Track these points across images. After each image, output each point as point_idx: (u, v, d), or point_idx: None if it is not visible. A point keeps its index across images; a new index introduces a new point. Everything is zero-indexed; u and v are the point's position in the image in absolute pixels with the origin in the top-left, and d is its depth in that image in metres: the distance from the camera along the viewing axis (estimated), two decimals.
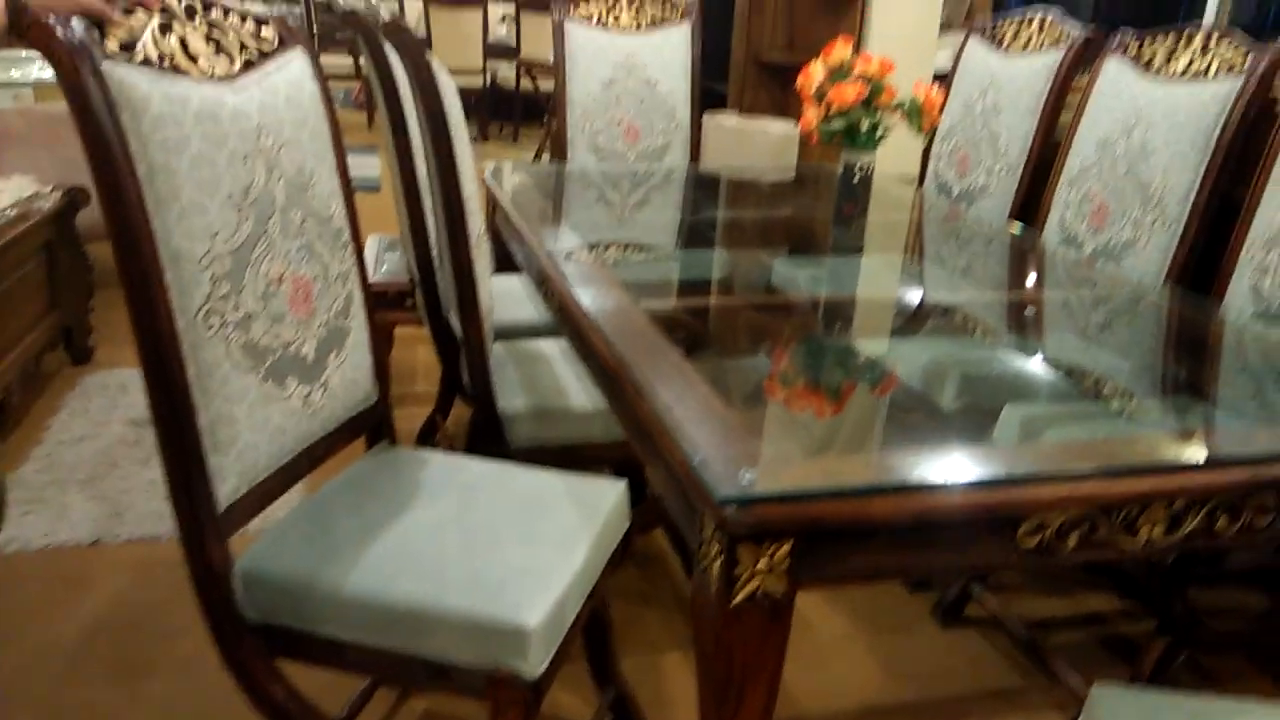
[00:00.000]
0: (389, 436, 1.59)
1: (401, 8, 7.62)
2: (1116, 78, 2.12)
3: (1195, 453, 1.23)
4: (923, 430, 1.42)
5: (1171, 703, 1.17)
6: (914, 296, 2.11)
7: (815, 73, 1.89)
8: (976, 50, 2.57)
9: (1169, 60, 2.05)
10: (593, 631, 1.58)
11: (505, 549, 1.29)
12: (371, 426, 1.56)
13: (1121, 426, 1.48)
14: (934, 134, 2.64)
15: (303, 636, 1.23)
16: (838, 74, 1.86)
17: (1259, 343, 1.70)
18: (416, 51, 1.54)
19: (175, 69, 1.15)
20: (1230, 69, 1.93)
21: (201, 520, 1.16)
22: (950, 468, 1.10)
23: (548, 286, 1.79)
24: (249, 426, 1.23)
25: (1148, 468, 1.13)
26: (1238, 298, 1.80)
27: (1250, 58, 1.91)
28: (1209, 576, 1.96)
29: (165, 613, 1.94)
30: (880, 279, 2.22)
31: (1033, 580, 2.20)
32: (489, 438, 1.77)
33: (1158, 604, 1.64)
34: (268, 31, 1.33)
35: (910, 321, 1.99)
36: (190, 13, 1.20)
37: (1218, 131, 1.90)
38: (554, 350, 2.03)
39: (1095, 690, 1.16)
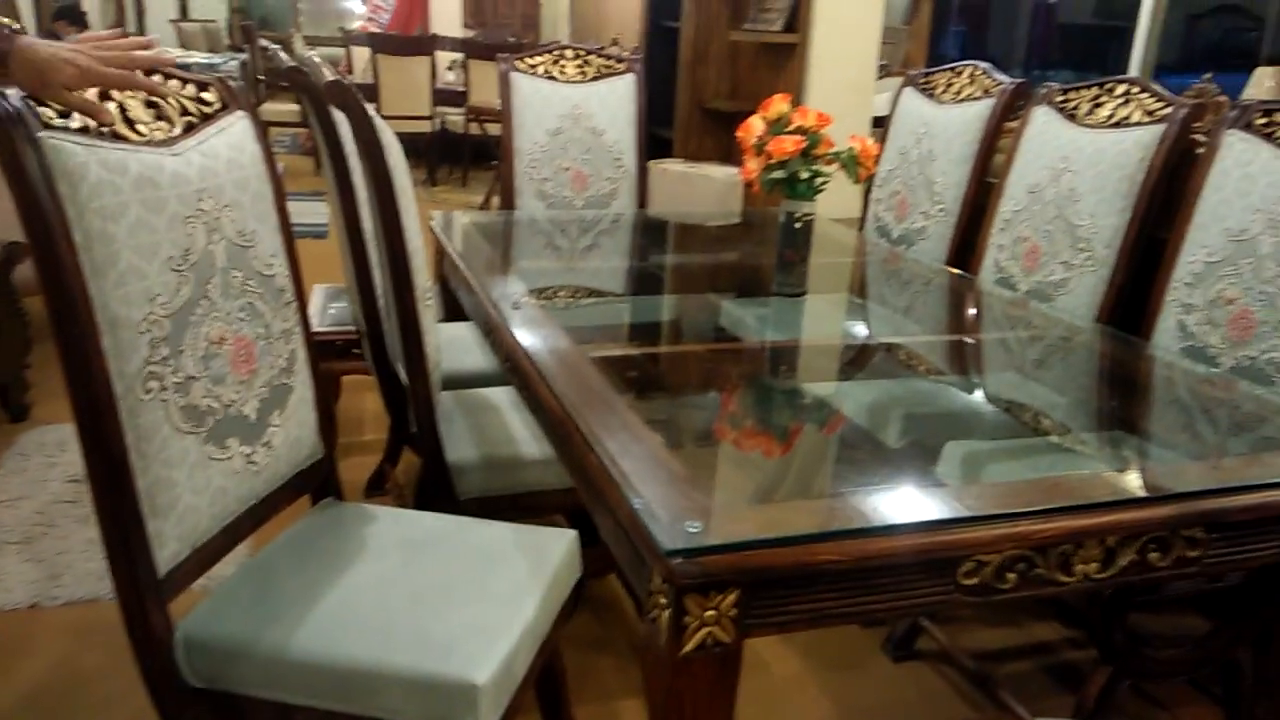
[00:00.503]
0: (335, 492, 1.58)
1: (349, 56, 7.65)
2: (1044, 126, 2.21)
3: (1126, 490, 1.27)
4: (868, 471, 1.45)
5: None
6: (858, 338, 2.16)
7: (755, 125, 1.93)
8: (911, 100, 2.66)
9: (1093, 109, 2.14)
10: (546, 684, 1.57)
11: (453, 606, 1.28)
12: (316, 483, 1.55)
13: (1057, 463, 1.52)
14: (872, 179, 2.71)
15: (247, 701, 1.21)
16: (776, 127, 1.91)
17: (1186, 378, 1.76)
18: (359, 113, 1.56)
19: (114, 136, 1.15)
20: (1151, 117, 2.02)
21: (141, 586, 1.14)
22: (890, 511, 1.13)
23: (495, 335, 1.80)
24: (189, 489, 1.22)
25: (1080, 506, 1.16)
26: (1164, 335, 1.87)
27: (1170, 107, 2.00)
28: (1149, 604, 2.01)
29: (106, 677, 1.89)
30: (825, 321, 2.26)
31: (981, 612, 2.23)
32: (438, 489, 1.77)
33: (1098, 633, 1.67)
34: (209, 95, 1.34)
35: (855, 362, 2.03)
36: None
37: (1141, 176, 1.99)
38: (503, 399, 2.03)
39: None
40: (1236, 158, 1.80)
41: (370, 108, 1.63)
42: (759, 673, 2.00)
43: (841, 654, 2.08)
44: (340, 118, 1.74)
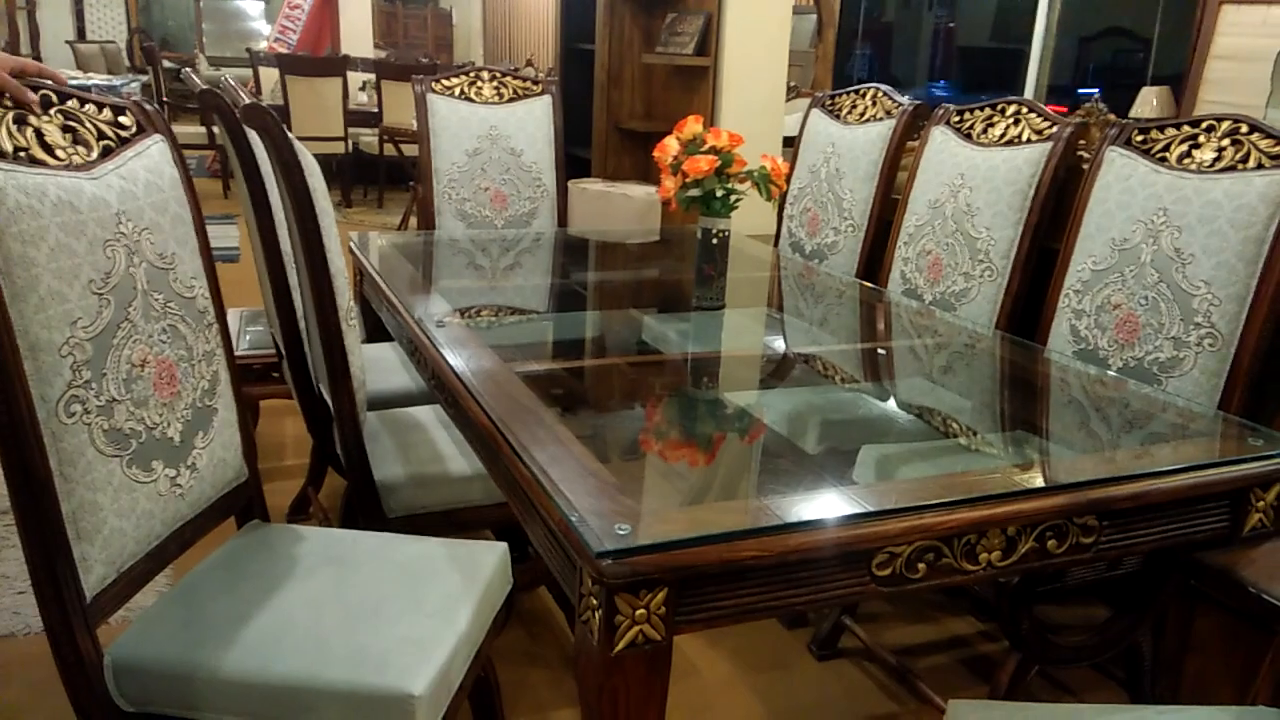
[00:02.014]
0: (261, 514, 1.57)
1: (256, 77, 7.52)
2: (942, 145, 2.33)
3: (1023, 482, 1.35)
4: (788, 475, 1.51)
5: (1023, 712, 1.27)
6: (776, 349, 2.24)
7: (670, 146, 2.00)
8: (818, 120, 2.77)
9: (986, 129, 2.27)
10: (480, 695, 1.59)
11: (386, 620, 1.30)
12: (242, 505, 1.54)
13: (965, 462, 1.61)
14: (785, 196, 2.81)
15: None
16: (691, 147, 1.98)
17: (1080, 379, 1.88)
18: (279, 135, 1.56)
19: (32, 160, 1.15)
20: (1039, 135, 2.16)
21: (68, 611, 1.13)
22: (807, 509, 1.19)
23: (421, 354, 1.82)
24: (115, 513, 1.21)
25: (981, 498, 1.24)
26: (1058, 339, 1.99)
27: (1056, 126, 2.14)
28: (1054, 593, 2.12)
29: (27, 712, 1.83)
30: (744, 333, 2.34)
31: (900, 609, 2.32)
32: (366, 508, 1.77)
33: (1007, 623, 1.76)
34: (126, 119, 1.34)
35: (774, 372, 2.11)
36: (46, 104, 1.20)
37: (1032, 191, 2.12)
38: (429, 417, 2.04)
39: (952, 705, 1.26)
40: (1117, 172, 1.93)
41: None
42: (690, 677, 2.05)
43: (769, 655, 2.14)
44: (256, 140, 1.74)
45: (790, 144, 2.97)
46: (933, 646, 2.22)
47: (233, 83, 2.02)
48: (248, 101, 1.63)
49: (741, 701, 1.99)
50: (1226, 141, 1.79)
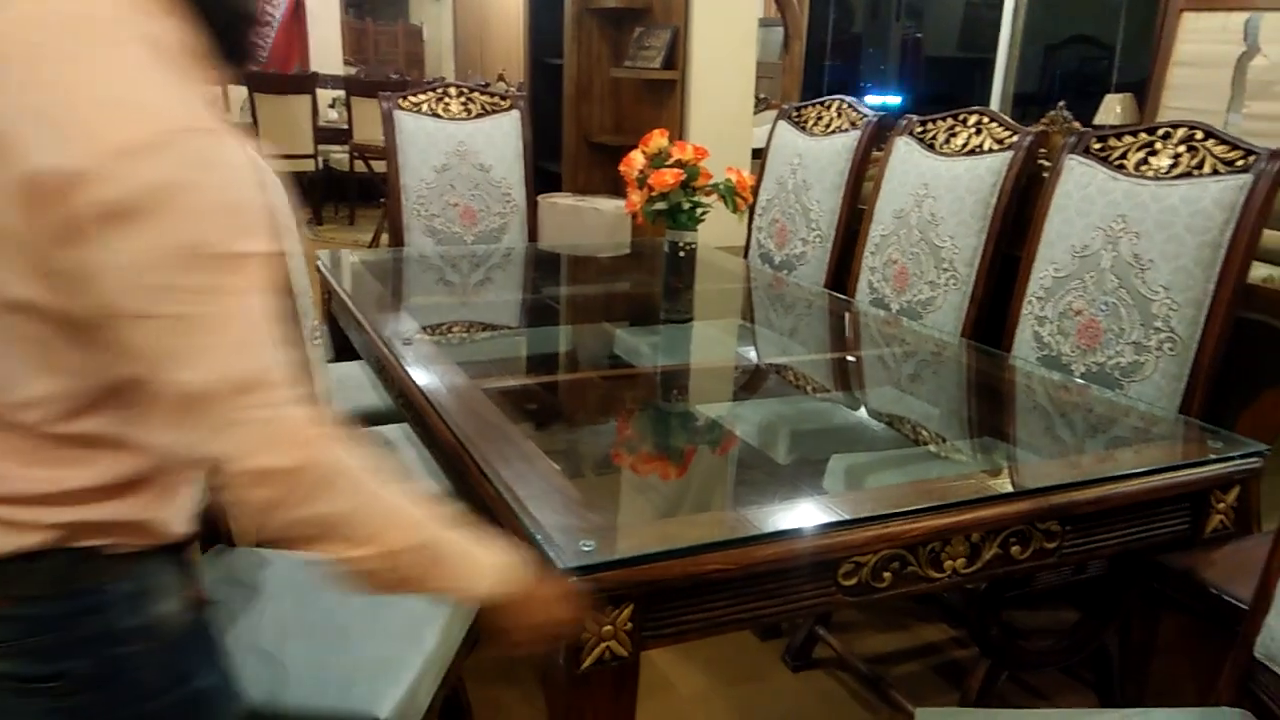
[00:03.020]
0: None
1: (226, 94, 7.48)
2: (906, 156, 2.36)
3: (989, 488, 1.37)
4: (758, 487, 1.52)
5: (989, 719, 1.28)
6: (746, 360, 2.25)
7: (636, 160, 2.01)
8: (785, 132, 2.79)
9: (949, 139, 2.29)
10: (451, 715, 1.58)
11: (352, 643, 1.29)
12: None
13: (933, 469, 1.62)
14: (754, 207, 2.82)
15: None
16: (656, 160, 1.99)
17: (1044, 386, 1.90)
18: None
19: None
20: (1000, 144, 2.18)
21: None
22: (772, 520, 1.19)
23: (388, 372, 1.81)
24: None
25: (945, 505, 1.25)
26: (1022, 346, 2.02)
27: (1017, 135, 2.16)
28: (1022, 599, 2.13)
29: None
30: (714, 345, 2.35)
31: (872, 617, 2.33)
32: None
33: (976, 629, 1.78)
34: None
35: (744, 384, 2.12)
36: None
37: (994, 200, 2.14)
38: (397, 435, 2.03)
39: (919, 714, 1.26)
40: (1077, 180, 1.96)
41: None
42: (664, 692, 2.04)
43: (743, 668, 2.14)
44: None
45: (759, 155, 2.99)
46: (906, 654, 2.23)
47: None
48: None
49: (716, 715, 1.99)
50: (1183, 148, 1.82)
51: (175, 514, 0.90)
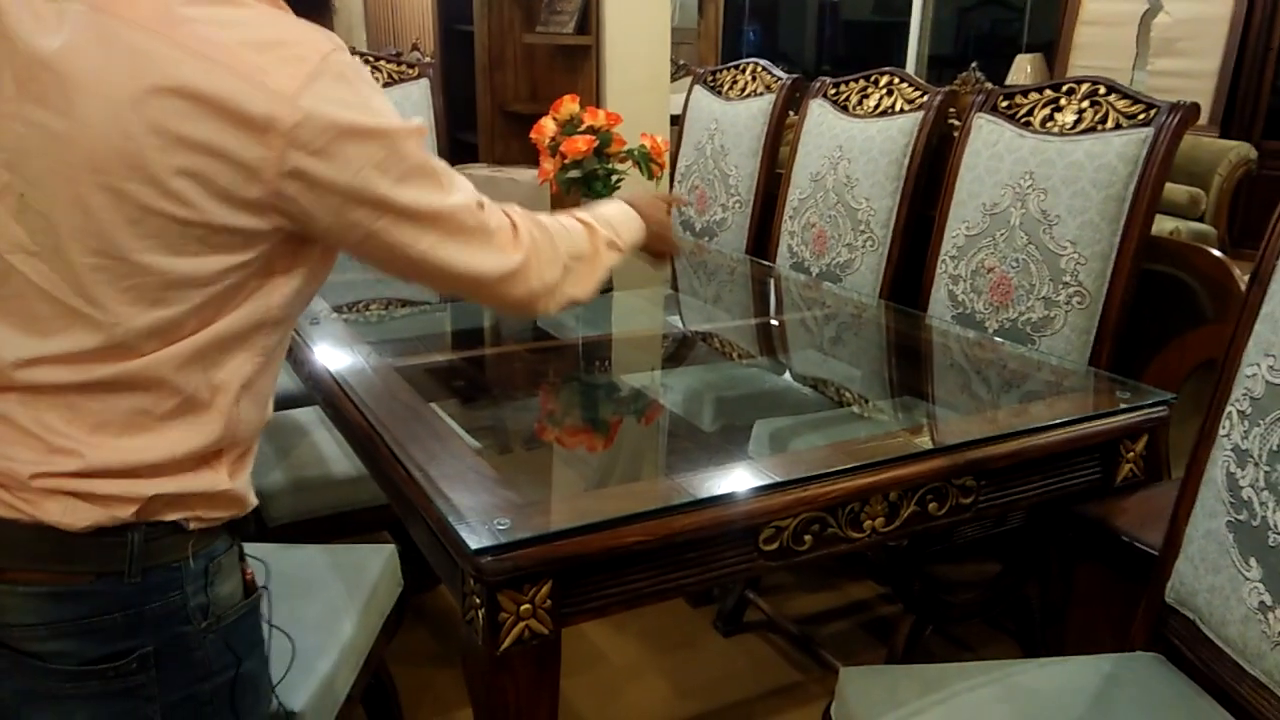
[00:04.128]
0: None
1: None
2: (820, 118, 2.35)
3: (906, 448, 1.37)
4: (684, 455, 1.50)
5: (911, 674, 1.29)
6: (670, 327, 2.23)
7: (547, 127, 1.96)
8: (701, 97, 2.76)
9: (861, 100, 2.29)
10: (375, 701, 1.54)
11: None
12: None
13: (856, 430, 1.63)
14: (673, 174, 2.80)
15: None
16: (568, 127, 1.94)
17: (960, 343, 1.92)
18: None
19: None
20: (911, 105, 2.19)
21: None
22: (690, 489, 1.17)
23: (295, 353, 1.74)
24: None
25: (862, 466, 1.25)
26: (938, 305, 2.03)
27: (926, 95, 2.17)
28: (946, 553, 2.18)
29: None
30: (637, 314, 2.32)
31: (802, 578, 2.35)
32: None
33: (899, 585, 1.80)
34: None
35: (670, 352, 2.10)
36: None
37: (906, 160, 2.15)
38: (310, 418, 1.97)
39: (843, 672, 1.27)
40: (985, 138, 1.98)
41: None
42: (597, 664, 2.03)
43: (675, 636, 2.14)
44: None
45: (678, 122, 2.96)
46: (835, 613, 2.26)
47: None
48: None
49: (649, 684, 1.99)
50: (1086, 104, 1.84)
51: (246, 485, 0.95)
